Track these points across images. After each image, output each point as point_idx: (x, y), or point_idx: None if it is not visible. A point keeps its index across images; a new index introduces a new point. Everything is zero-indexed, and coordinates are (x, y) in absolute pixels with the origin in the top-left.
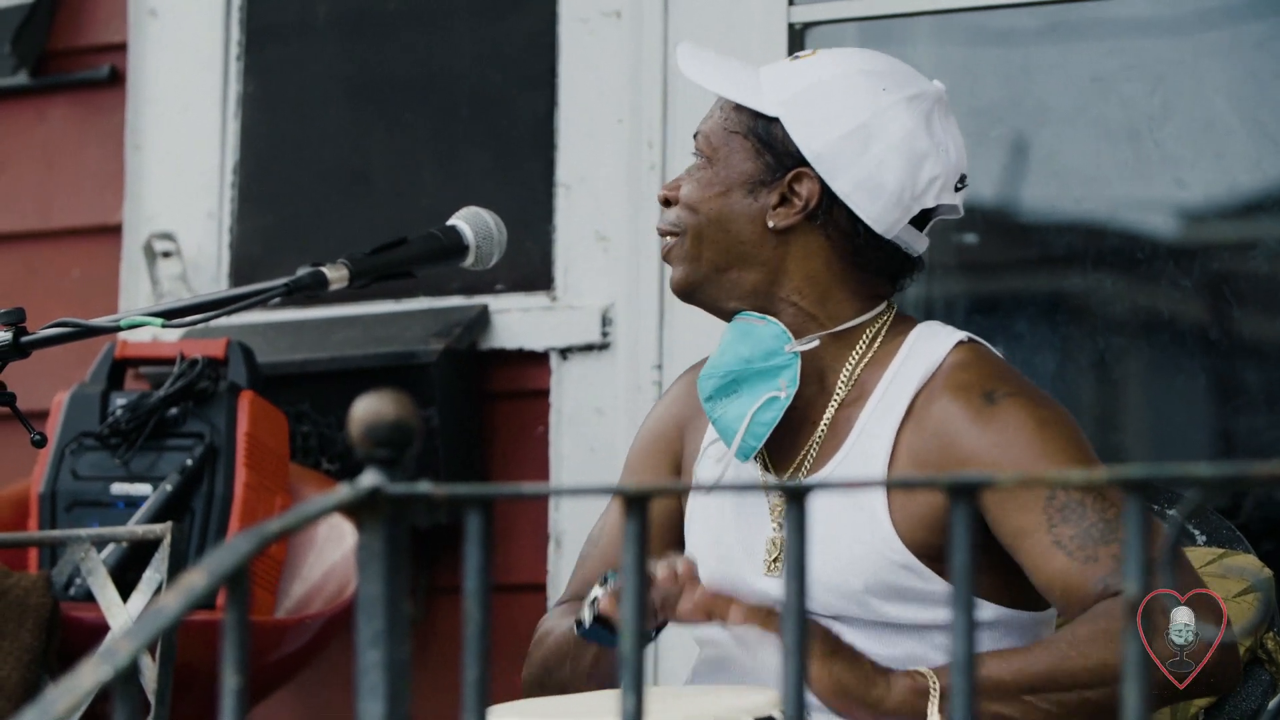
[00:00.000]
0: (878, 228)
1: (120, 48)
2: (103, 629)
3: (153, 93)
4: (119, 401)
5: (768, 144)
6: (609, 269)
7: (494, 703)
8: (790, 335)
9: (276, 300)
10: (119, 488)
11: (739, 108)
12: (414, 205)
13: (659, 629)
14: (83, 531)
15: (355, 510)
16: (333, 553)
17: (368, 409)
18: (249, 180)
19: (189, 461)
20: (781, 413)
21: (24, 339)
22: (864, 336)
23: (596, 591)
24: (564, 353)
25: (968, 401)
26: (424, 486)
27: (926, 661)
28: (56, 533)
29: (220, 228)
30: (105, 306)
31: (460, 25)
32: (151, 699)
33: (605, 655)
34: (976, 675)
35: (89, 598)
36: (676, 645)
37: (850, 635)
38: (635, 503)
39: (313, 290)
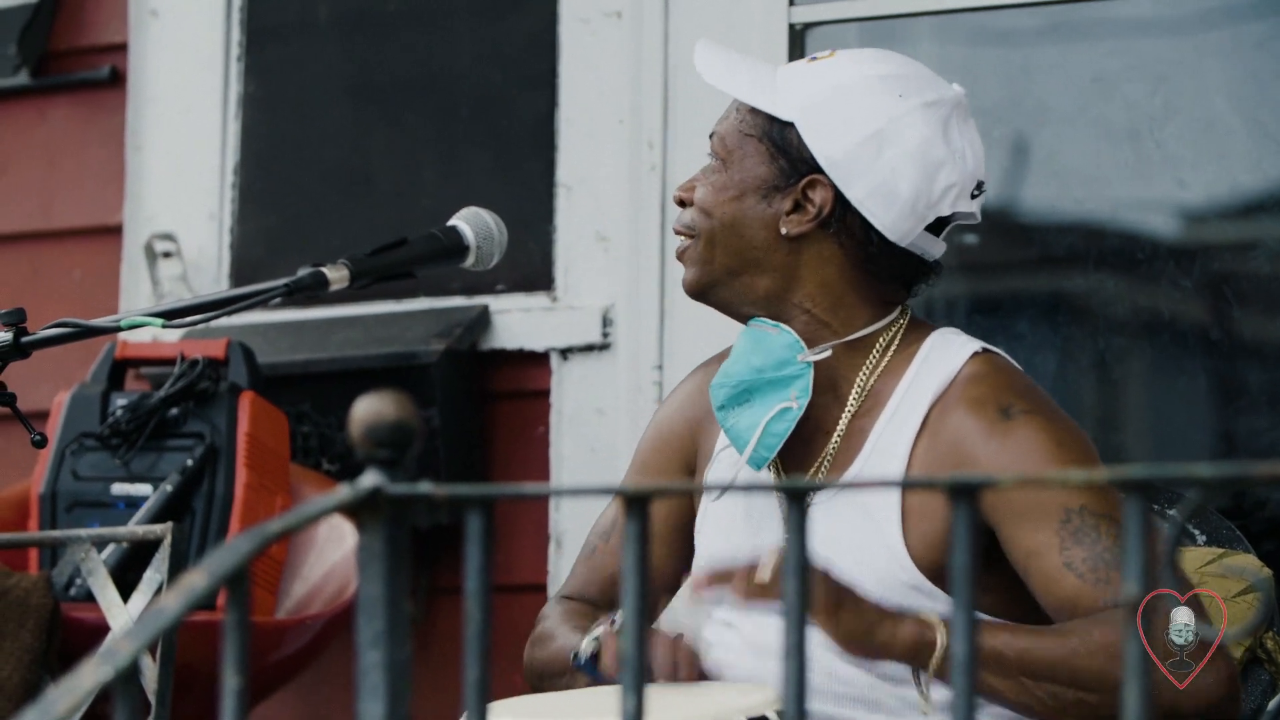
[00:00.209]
0: (891, 236)
1: (121, 48)
2: (103, 629)
3: (153, 93)
4: (119, 402)
5: (782, 149)
6: (609, 269)
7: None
8: (803, 344)
9: (277, 301)
10: (119, 488)
11: (755, 110)
12: (414, 206)
13: None
14: (83, 532)
15: (356, 511)
16: (333, 553)
17: (368, 409)
18: (250, 181)
19: (189, 462)
20: (794, 424)
21: (24, 339)
22: (878, 344)
23: (597, 631)
24: (564, 353)
25: (983, 416)
26: (425, 487)
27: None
28: (57, 533)
29: (221, 228)
30: (106, 307)
31: (460, 25)
32: (152, 699)
33: (599, 682)
34: (979, 644)
35: (89, 598)
36: None
37: None
38: (635, 503)
39: (313, 291)
